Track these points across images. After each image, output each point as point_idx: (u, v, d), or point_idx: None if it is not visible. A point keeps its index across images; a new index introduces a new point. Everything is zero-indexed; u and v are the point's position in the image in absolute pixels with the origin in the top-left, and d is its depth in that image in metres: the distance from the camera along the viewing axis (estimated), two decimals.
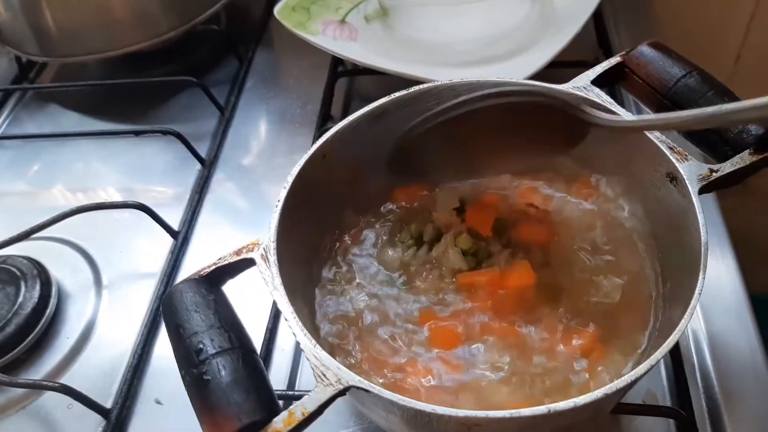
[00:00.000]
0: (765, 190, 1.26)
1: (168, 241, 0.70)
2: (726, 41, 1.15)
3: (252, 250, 0.43)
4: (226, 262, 0.43)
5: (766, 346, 0.56)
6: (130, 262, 0.69)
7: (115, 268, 0.69)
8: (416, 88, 0.54)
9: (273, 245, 0.43)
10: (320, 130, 0.78)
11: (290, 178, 0.48)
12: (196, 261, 0.69)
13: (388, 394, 0.36)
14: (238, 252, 0.44)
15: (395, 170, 0.54)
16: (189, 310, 0.39)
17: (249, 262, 0.43)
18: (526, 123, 0.49)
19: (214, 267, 0.43)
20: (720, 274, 0.61)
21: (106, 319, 0.64)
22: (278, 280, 0.42)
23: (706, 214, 0.45)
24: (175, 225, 0.71)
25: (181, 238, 0.70)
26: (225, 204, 0.75)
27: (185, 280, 0.42)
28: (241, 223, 0.73)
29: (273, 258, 0.43)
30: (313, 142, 0.78)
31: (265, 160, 0.80)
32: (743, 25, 1.12)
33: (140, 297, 0.66)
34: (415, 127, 0.50)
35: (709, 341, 0.57)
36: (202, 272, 0.42)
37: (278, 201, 0.46)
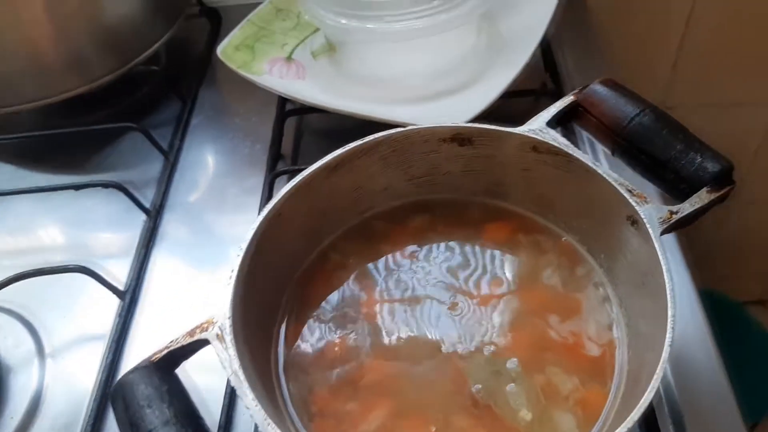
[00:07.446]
0: None
1: (115, 301, 0.66)
2: (663, 48, 1.18)
3: (206, 330, 0.41)
4: (178, 345, 0.40)
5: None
6: (75, 327, 0.65)
7: (59, 335, 0.64)
8: (372, 137, 0.53)
9: (228, 322, 0.41)
10: (272, 173, 0.75)
11: (244, 245, 0.45)
12: (147, 321, 0.65)
13: None
14: (191, 333, 0.41)
15: None
16: (141, 405, 0.36)
17: (203, 343, 0.41)
18: None
19: (166, 351, 0.40)
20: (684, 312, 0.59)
21: (53, 392, 0.60)
22: (237, 363, 0.39)
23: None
24: (122, 282, 0.67)
25: (129, 298, 0.66)
26: (175, 254, 0.71)
27: (135, 369, 0.39)
28: (193, 274, 0.70)
29: (229, 337, 0.40)
30: (264, 183, 0.76)
31: (215, 205, 0.77)
32: (679, 33, 1.15)
33: (88, 364, 0.61)
34: None
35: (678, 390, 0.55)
36: (153, 358, 0.39)
37: (232, 271, 0.44)
